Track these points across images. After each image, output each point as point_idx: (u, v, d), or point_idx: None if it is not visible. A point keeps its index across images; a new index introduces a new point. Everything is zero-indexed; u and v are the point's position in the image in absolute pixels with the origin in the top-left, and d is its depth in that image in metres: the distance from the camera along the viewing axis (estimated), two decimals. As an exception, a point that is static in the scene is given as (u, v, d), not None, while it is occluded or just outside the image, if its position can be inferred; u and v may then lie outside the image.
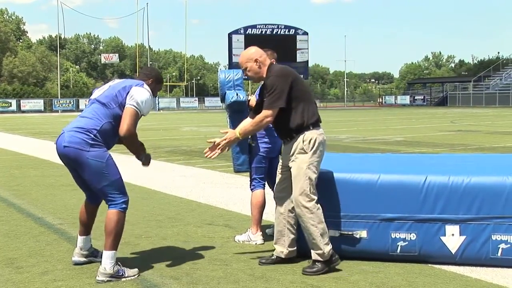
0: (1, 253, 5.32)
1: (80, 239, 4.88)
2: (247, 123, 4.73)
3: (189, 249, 5.39)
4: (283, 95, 4.56)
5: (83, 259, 4.87)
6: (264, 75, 4.74)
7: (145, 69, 4.96)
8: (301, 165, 4.60)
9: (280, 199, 4.87)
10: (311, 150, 4.60)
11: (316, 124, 4.68)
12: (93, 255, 4.92)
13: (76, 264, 4.85)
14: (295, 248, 4.87)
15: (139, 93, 4.56)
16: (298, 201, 4.62)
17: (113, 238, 4.46)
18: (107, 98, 4.58)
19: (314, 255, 4.63)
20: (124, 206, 4.54)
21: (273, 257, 4.90)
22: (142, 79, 4.75)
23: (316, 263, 4.62)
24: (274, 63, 5.63)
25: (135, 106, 4.51)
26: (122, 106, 4.53)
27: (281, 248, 4.86)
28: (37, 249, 5.44)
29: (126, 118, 4.49)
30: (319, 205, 4.63)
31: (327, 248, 4.59)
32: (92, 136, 4.43)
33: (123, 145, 4.73)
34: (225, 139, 4.60)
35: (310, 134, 4.62)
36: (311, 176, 4.61)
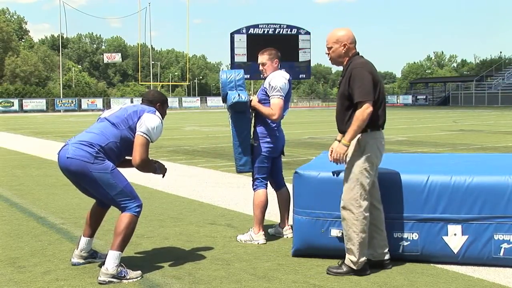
0: (3, 252, 5.33)
1: (83, 240, 4.88)
2: (349, 129, 4.41)
3: (191, 249, 5.39)
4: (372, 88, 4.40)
5: (82, 261, 4.88)
6: (345, 62, 4.60)
7: (147, 95, 4.92)
8: (353, 168, 4.49)
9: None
10: (363, 154, 4.46)
11: (374, 127, 4.49)
12: (92, 257, 4.93)
13: (75, 265, 4.86)
14: (387, 249, 4.69)
15: (150, 119, 4.58)
16: (346, 204, 4.52)
17: (122, 239, 4.46)
18: (117, 119, 4.62)
19: (347, 259, 4.56)
20: (138, 210, 4.55)
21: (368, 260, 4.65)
22: (148, 105, 4.76)
23: (344, 266, 4.56)
24: (278, 63, 5.64)
25: (146, 134, 4.54)
26: (131, 129, 4.57)
27: (371, 251, 4.66)
28: (39, 248, 5.44)
29: (138, 148, 4.53)
30: (367, 213, 4.49)
31: (362, 259, 4.51)
32: (96, 149, 4.44)
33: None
34: (336, 153, 4.43)
35: (365, 137, 4.47)
36: (363, 182, 4.47)
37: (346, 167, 4.56)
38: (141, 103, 4.84)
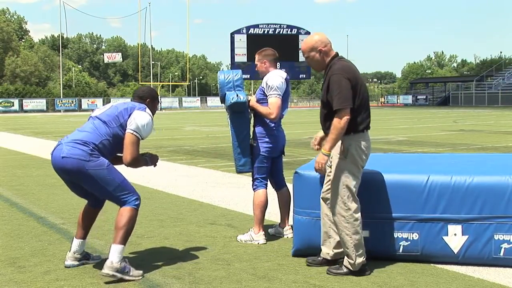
0: (3, 252, 5.33)
1: (76, 242, 4.87)
2: (327, 138, 4.46)
3: (191, 249, 5.39)
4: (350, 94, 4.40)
5: (76, 263, 4.86)
6: (325, 66, 4.59)
7: (138, 91, 4.92)
8: (337, 171, 4.52)
9: (326, 200, 4.74)
10: (347, 157, 4.47)
11: (357, 130, 4.49)
12: (86, 258, 4.92)
13: (69, 267, 4.82)
14: (342, 249, 4.69)
15: (141, 117, 4.59)
16: (335, 208, 4.54)
17: (124, 233, 4.47)
18: (108, 117, 4.62)
19: (345, 261, 4.57)
20: (137, 203, 4.57)
21: (319, 258, 4.82)
22: (138, 101, 4.76)
23: (343, 267, 4.56)
24: (267, 62, 5.66)
25: (136, 132, 4.54)
26: (122, 127, 4.57)
27: (327, 250, 4.79)
28: (40, 248, 5.45)
29: (128, 147, 4.53)
30: (358, 215, 4.52)
31: (359, 260, 4.51)
32: (91, 147, 4.45)
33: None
34: (318, 164, 4.49)
35: (347, 140, 4.49)
36: (349, 184, 4.49)
37: (332, 169, 4.59)
38: (132, 100, 4.84)
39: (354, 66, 4.59)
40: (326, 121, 4.60)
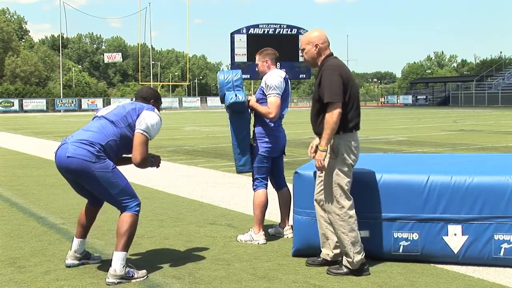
0: (3, 252, 5.33)
1: (76, 242, 4.86)
2: (322, 134, 4.47)
3: (191, 249, 5.39)
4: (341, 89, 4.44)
5: (77, 262, 4.86)
6: (319, 63, 4.63)
7: (141, 92, 4.90)
8: (328, 170, 4.54)
9: (320, 202, 4.76)
10: (337, 156, 4.51)
11: (346, 129, 4.51)
12: (86, 258, 4.92)
13: (69, 267, 4.83)
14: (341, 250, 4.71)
15: (150, 117, 4.58)
16: (329, 207, 4.57)
17: (126, 239, 4.46)
18: (116, 117, 4.59)
19: (344, 260, 4.58)
20: (137, 209, 4.55)
21: (319, 259, 4.83)
22: (143, 102, 4.74)
23: (343, 267, 4.57)
24: (268, 61, 5.67)
25: (145, 132, 4.53)
26: (130, 127, 4.55)
27: (327, 251, 4.80)
28: (40, 248, 5.45)
29: (138, 147, 4.52)
30: (352, 212, 4.54)
31: (357, 258, 4.51)
32: (97, 148, 4.42)
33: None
34: (317, 161, 4.50)
35: (336, 139, 4.51)
36: (341, 183, 4.51)
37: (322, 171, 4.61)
38: (135, 100, 4.82)
39: (346, 66, 4.66)
40: (318, 116, 4.61)
